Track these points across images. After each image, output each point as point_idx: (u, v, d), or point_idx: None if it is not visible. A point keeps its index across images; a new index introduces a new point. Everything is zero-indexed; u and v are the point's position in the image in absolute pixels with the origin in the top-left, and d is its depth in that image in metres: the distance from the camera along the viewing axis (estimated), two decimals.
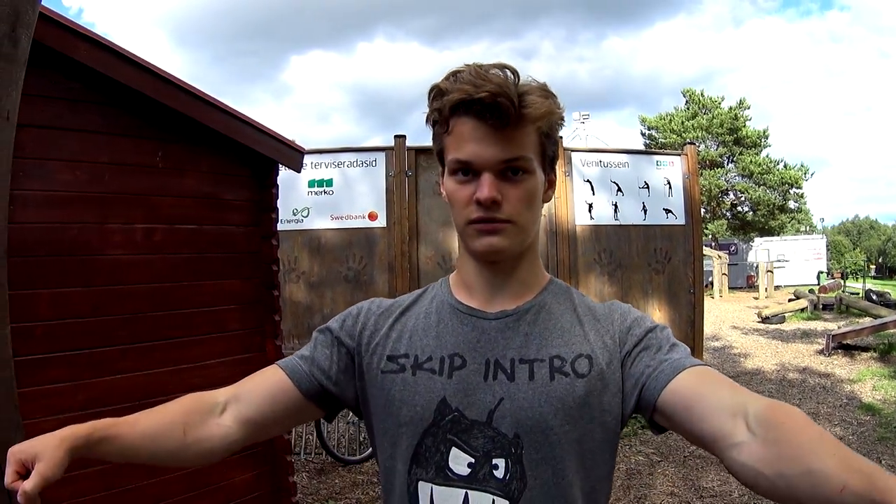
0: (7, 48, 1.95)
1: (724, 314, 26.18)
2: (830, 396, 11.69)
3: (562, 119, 1.61)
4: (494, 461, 1.53)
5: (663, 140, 47.51)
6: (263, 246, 5.55)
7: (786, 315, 23.73)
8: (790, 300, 27.67)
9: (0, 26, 1.92)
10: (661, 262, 10.85)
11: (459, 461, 1.55)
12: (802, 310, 24.80)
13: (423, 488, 1.57)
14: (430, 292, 1.76)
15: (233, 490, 5.32)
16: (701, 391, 1.46)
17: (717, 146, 47.16)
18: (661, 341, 1.60)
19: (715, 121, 46.14)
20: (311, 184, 9.91)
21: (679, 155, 11.31)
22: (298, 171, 6.16)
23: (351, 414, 8.53)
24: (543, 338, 1.59)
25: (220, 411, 1.68)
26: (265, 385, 1.73)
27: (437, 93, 1.55)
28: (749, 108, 47.40)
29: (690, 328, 10.94)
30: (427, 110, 1.60)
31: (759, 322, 23.09)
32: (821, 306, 25.45)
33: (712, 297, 34.36)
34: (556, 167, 1.69)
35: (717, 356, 16.32)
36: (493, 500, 1.52)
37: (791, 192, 47.33)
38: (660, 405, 1.50)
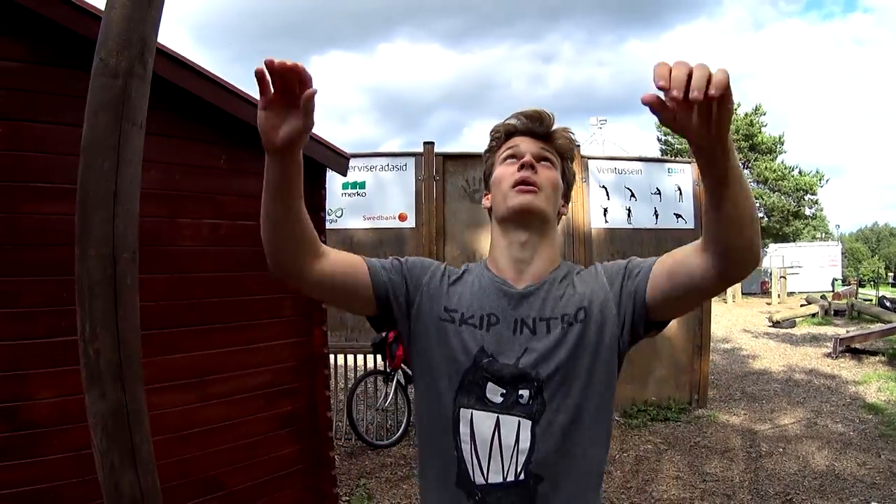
0: (139, 69, 2.36)
1: (736, 318, 26.35)
2: (835, 396, 11.96)
3: (574, 153, 2.30)
4: (520, 391, 1.99)
5: (679, 146, 47.36)
6: None
7: (796, 320, 23.81)
8: (802, 306, 27.59)
9: (133, 52, 2.34)
10: None
11: (494, 392, 2.00)
12: (813, 315, 24.79)
13: (465, 414, 2.01)
14: (473, 270, 2.20)
15: (280, 462, 5.80)
16: (670, 260, 1.94)
17: None
18: (635, 265, 2.05)
19: (731, 127, 45.98)
20: (346, 186, 10.29)
21: (690, 163, 11.65)
22: (344, 175, 6.68)
23: (379, 401, 9.18)
24: (556, 302, 2.04)
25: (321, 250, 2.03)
26: (351, 261, 2.10)
27: (495, 128, 2.25)
28: (765, 114, 47.16)
29: (698, 327, 11.37)
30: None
31: (769, 326, 23.25)
32: (832, 312, 25.28)
33: (725, 303, 34.34)
34: (570, 198, 2.32)
35: (726, 357, 16.69)
36: (519, 422, 1.98)
37: (806, 198, 47.13)
38: (650, 295, 1.97)
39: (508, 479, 1.98)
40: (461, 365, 2.03)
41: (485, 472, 1.99)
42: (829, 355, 15.91)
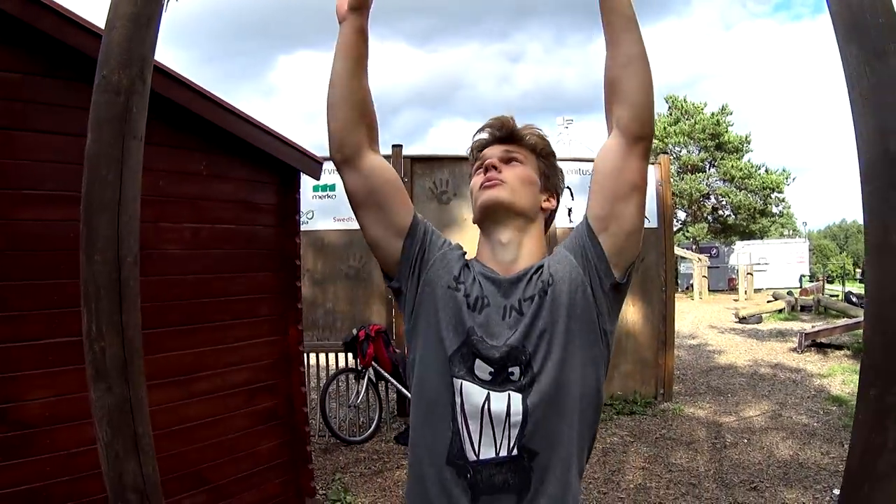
0: (139, 86, 2.54)
1: (702, 315, 26.70)
2: (800, 389, 12.23)
3: (550, 148, 2.35)
4: (510, 369, 2.01)
5: None
6: (288, 243, 6.31)
7: (763, 315, 24.13)
8: (769, 302, 27.89)
9: (134, 70, 2.52)
10: (636, 262, 11.42)
11: (482, 370, 2.02)
12: (780, 311, 25.16)
13: (456, 382, 2.03)
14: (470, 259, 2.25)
15: (260, 456, 6.02)
16: (593, 181, 2.15)
17: (699, 151, 47.13)
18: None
19: (697, 126, 46.00)
20: (316, 188, 10.49)
21: (653, 164, 11.88)
22: (318, 179, 6.91)
23: (351, 399, 9.37)
24: (536, 282, 2.09)
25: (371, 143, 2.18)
26: (400, 181, 2.25)
27: (469, 148, 2.37)
28: (731, 113, 47.22)
29: (662, 323, 11.67)
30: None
31: (736, 322, 23.53)
32: (799, 307, 25.70)
33: (692, 299, 34.75)
34: (558, 197, 2.38)
35: (692, 353, 16.98)
36: (509, 394, 1.99)
37: (772, 196, 47.48)
38: (596, 226, 2.11)
39: (501, 455, 2.00)
40: (455, 339, 2.07)
41: (476, 447, 2.01)
42: (794, 350, 16.21)
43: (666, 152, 46.64)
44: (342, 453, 8.95)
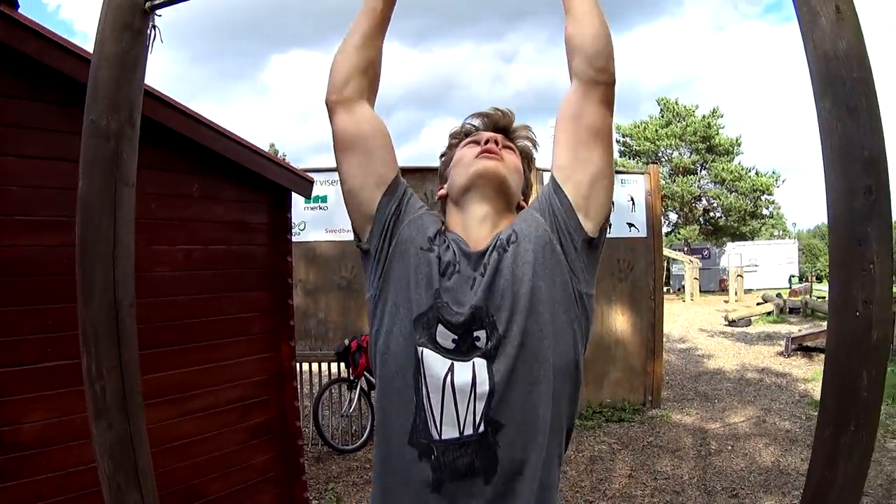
0: (128, 131, 2.56)
1: (693, 317, 26.81)
2: (784, 394, 12.39)
3: (533, 161, 2.31)
4: (475, 334, 1.90)
5: (637, 147, 47.71)
6: (280, 262, 6.41)
7: (752, 318, 24.24)
8: (758, 304, 27.94)
9: (122, 114, 2.54)
10: (624, 271, 11.63)
11: (445, 337, 1.91)
12: (769, 313, 25.26)
13: (419, 350, 1.92)
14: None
15: (254, 470, 6.11)
16: (557, 131, 2.09)
17: (691, 154, 47.38)
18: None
19: (689, 129, 46.34)
20: (308, 200, 10.49)
21: (643, 174, 12.12)
22: (308, 198, 7.03)
23: (344, 408, 9.45)
24: (499, 242, 2.00)
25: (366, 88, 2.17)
26: (388, 136, 2.17)
27: (453, 132, 2.36)
28: (722, 116, 47.44)
29: (651, 331, 11.80)
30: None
31: (725, 325, 23.66)
32: (787, 310, 25.83)
33: (683, 301, 34.87)
34: (528, 197, 2.29)
35: (681, 357, 17.12)
36: (474, 363, 1.88)
37: (763, 198, 47.68)
38: (560, 178, 2.04)
39: (466, 433, 1.88)
40: (421, 303, 1.96)
41: (438, 425, 1.90)
42: (781, 353, 16.38)
43: (658, 156, 46.83)
44: (335, 462, 9.05)
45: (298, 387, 7.62)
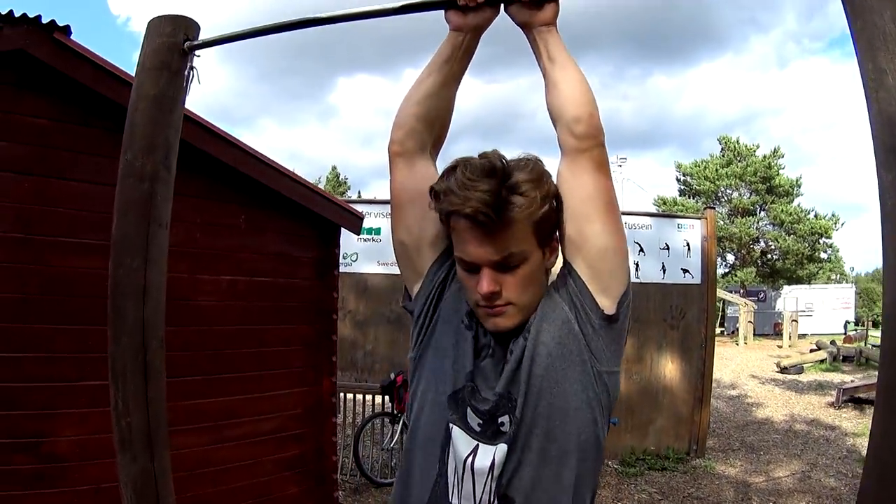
0: (163, 173, 2.55)
1: (745, 362, 26.38)
2: (832, 449, 12.05)
3: (555, 196, 1.92)
4: (500, 419, 1.88)
5: (697, 186, 47.33)
6: (325, 296, 6.44)
7: (804, 366, 23.77)
8: (811, 351, 27.38)
9: (158, 156, 2.55)
10: (676, 318, 11.48)
11: (472, 419, 1.90)
12: (822, 361, 24.71)
13: (450, 426, 1.92)
14: None
15: (287, 501, 6.11)
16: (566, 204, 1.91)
17: (750, 194, 46.88)
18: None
19: (749, 169, 45.78)
20: (361, 232, 10.57)
21: (700, 219, 11.96)
22: (358, 234, 7.03)
23: (385, 441, 9.42)
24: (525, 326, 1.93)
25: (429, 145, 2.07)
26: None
27: (434, 188, 1.89)
28: (783, 156, 46.96)
29: (700, 380, 11.57)
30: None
31: (777, 372, 23.24)
32: (841, 357, 25.22)
33: (737, 345, 34.35)
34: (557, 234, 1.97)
35: (730, 404, 16.83)
36: (496, 448, 1.86)
37: (820, 242, 47.09)
38: (570, 255, 1.93)
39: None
40: (461, 376, 1.94)
41: (458, 494, 1.90)
42: (832, 405, 15.98)
43: (717, 196, 46.39)
44: (371, 495, 9.00)
45: (341, 416, 7.62)
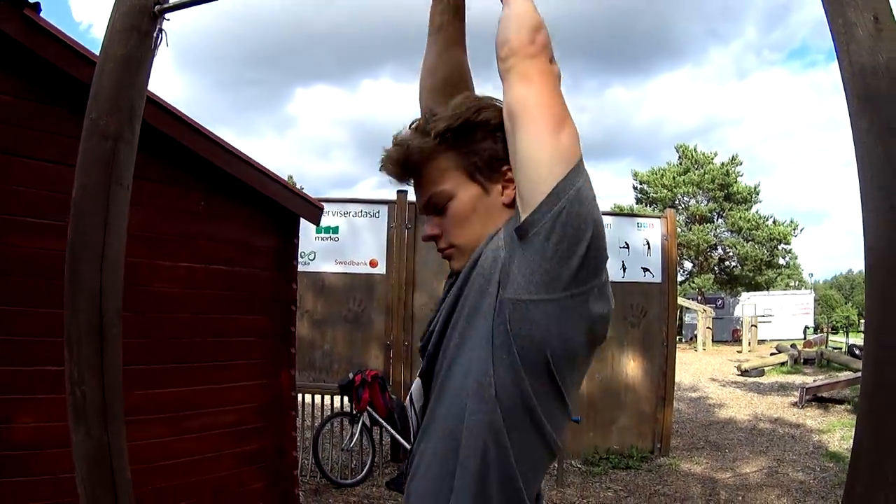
0: (127, 134, 2.54)
1: (705, 367, 26.50)
2: (798, 445, 12.13)
3: (490, 127, 1.78)
4: (425, 356, 1.87)
5: (654, 194, 47.64)
6: (284, 288, 6.33)
7: (765, 368, 24.00)
8: (772, 354, 27.70)
9: (122, 116, 2.52)
10: (637, 316, 11.47)
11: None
12: (783, 364, 24.97)
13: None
14: None
15: (247, 497, 5.99)
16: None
17: (708, 201, 47.34)
18: None
19: (706, 176, 46.24)
20: (319, 230, 10.43)
21: (660, 217, 12.01)
22: (317, 225, 6.95)
23: (345, 442, 9.32)
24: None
25: None
26: None
27: None
28: (741, 164, 47.48)
29: (662, 378, 11.56)
30: None
31: (738, 375, 23.40)
32: (802, 360, 25.40)
33: (695, 350, 34.59)
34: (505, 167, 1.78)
35: (692, 406, 16.85)
36: (415, 382, 1.91)
37: (779, 248, 47.50)
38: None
39: None
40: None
41: (412, 434, 1.92)
42: (795, 404, 16.10)
43: (675, 204, 46.74)
44: (332, 496, 8.87)
45: (300, 418, 7.52)
